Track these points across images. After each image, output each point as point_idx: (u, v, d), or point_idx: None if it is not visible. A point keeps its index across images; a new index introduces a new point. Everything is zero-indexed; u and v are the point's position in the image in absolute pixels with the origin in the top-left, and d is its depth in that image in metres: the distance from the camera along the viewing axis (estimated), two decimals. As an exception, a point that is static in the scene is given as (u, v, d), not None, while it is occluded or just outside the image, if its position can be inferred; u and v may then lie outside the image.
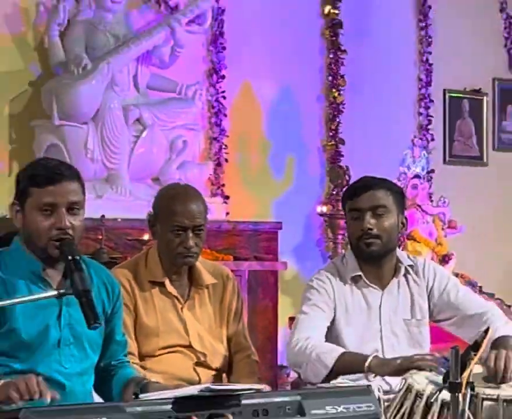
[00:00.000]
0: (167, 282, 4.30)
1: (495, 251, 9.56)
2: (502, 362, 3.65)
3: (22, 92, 8.77)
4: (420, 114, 10.12)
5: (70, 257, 3.29)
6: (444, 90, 10.23)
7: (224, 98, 9.25)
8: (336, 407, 3.06)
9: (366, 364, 3.94)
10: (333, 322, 4.35)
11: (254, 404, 2.84)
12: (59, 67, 8.60)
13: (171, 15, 9.04)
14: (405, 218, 4.55)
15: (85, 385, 3.69)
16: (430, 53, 10.32)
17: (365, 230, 4.25)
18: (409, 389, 3.55)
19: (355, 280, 4.46)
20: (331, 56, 10.06)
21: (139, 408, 2.69)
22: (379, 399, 3.37)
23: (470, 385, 3.21)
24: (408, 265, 4.45)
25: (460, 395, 3.22)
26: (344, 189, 5.98)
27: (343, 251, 6.29)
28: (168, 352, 4.24)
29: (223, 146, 9.16)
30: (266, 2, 9.61)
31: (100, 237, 6.72)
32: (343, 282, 4.49)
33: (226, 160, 9.12)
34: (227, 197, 8.74)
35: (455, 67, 10.29)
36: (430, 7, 10.27)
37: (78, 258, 3.28)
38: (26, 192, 3.50)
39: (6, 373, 3.35)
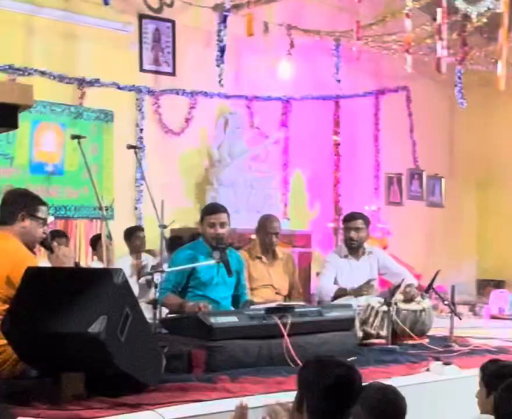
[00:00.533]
0: (263, 257, 6.22)
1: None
2: (408, 291, 5.78)
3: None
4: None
5: (220, 246, 5.15)
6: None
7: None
8: (335, 312, 5.09)
9: (348, 291, 6.11)
10: (336, 275, 6.40)
11: (300, 311, 4.81)
12: None
13: None
14: (368, 232, 6.72)
15: (227, 304, 5.44)
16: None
17: (352, 238, 6.42)
18: (368, 305, 5.59)
19: (346, 257, 6.52)
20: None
21: (251, 312, 4.78)
22: (354, 309, 5.40)
23: (395, 303, 5.38)
24: (368, 251, 6.61)
25: (390, 308, 5.39)
26: (343, 216, 7.54)
27: (340, 243, 7.33)
28: (262, 288, 6.12)
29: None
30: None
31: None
32: (340, 257, 6.58)
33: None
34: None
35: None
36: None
37: (224, 246, 5.16)
38: (203, 218, 5.46)
39: (193, 296, 5.27)
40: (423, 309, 5.83)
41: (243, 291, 5.67)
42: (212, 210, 5.56)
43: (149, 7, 9.45)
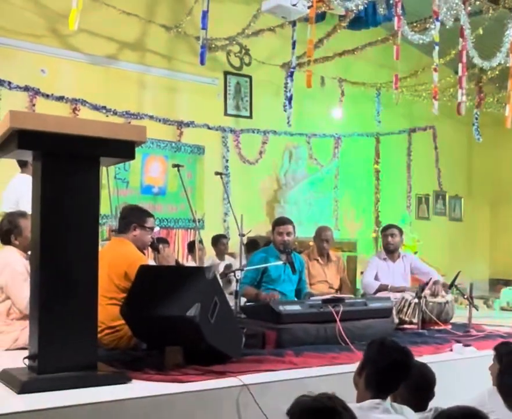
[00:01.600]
0: (319, 258, 6.14)
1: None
2: (434, 287, 5.68)
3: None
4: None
5: (287, 250, 5.26)
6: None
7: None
8: (377, 303, 5.06)
9: (388, 287, 5.97)
10: (376, 273, 6.25)
11: (349, 302, 4.75)
12: None
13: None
14: (401, 239, 6.53)
15: (292, 296, 5.47)
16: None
17: (389, 242, 6.29)
18: (403, 298, 5.54)
19: (384, 259, 6.36)
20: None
21: (311, 302, 4.76)
22: (392, 301, 5.26)
23: (424, 296, 5.29)
24: (403, 255, 6.47)
25: (420, 300, 5.29)
26: (381, 227, 7.21)
27: (380, 249, 7.13)
28: (319, 283, 6.05)
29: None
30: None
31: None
32: (380, 259, 6.41)
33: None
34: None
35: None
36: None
37: (290, 250, 5.26)
38: (274, 228, 5.51)
39: (266, 289, 5.31)
40: (447, 302, 5.73)
41: (304, 285, 5.67)
42: (281, 222, 5.60)
43: (232, 66, 9.53)
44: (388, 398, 2.73)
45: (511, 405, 2.74)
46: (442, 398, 3.04)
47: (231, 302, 4.54)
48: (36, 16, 7.72)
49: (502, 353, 3.28)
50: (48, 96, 7.76)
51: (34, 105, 7.64)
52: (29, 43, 7.67)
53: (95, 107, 8.06)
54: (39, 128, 2.87)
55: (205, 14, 6.80)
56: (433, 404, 2.99)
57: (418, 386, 2.97)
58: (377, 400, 2.59)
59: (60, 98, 7.84)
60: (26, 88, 7.62)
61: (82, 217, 3.06)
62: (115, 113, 8.23)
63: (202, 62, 7.33)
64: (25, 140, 2.86)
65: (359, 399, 2.67)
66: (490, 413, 2.82)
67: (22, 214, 4.24)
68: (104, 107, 8.12)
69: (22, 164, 5.27)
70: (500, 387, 2.83)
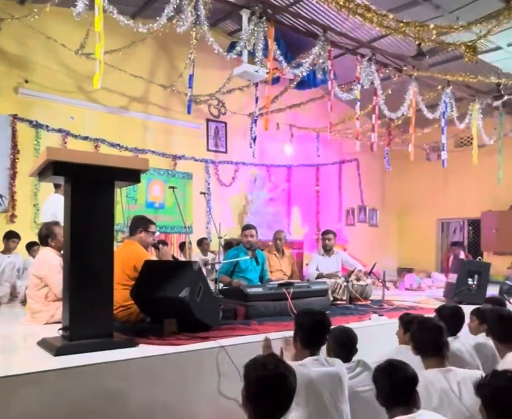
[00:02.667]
0: (276, 253, 6.03)
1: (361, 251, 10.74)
2: (358, 274, 5.70)
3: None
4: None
5: (252, 248, 5.19)
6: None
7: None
8: (317, 286, 4.93)
9: (324, 275, 5.93)
10: (317, 266, 6.19)
11: (297, 285, 4.71)
12: None
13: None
14: (335, 240, 6.39)
15: (256, 281, 5.35)
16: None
17: (326, 244, 6.23)
18: (336, 282, 5.56)
19: (323, 255, 6.29)
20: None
21: (270, 285, 4.72)
22: (328, 284, 5.27)
23: (351, 280, 5.33)
24: (336, 252, 6.37)
25: (348, 283, 5.31)
26: (321, 231, 6.69)
27: (319, 247, 6.60)
28: (276, 272, 5.94)
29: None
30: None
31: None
32: (319, 255, 6.34)
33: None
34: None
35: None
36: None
37: (254, 248, 5.18)
38: (242, 232, 5.40)
39: (237, 277, 5.23)
40: (367, 284, 5.78)
41: (265, 274, 5.64)
42: (247, 227, 5.56)
43: (212, 115, 9.54)
44: (323, 354, 2.72)
45: (421, 354, 2.73)
46: (363, 354, 3.08)
47: (212, 286, 4.52)
48: (67, 77, 7.68)
49: (405, 321, 3.34)
50: (76, 136, 7.71)
51: (65, 143, 7.57)
52: (62, 97, 7.64)
53: (112, 145, 8.01)
54: (68, 159, 2.87)
55: (191, 77, 6.81)
56: (356, 357, 3.02)
57: (345, 344, 3.00)
58: (315, 357, 2.60)
59: (85, 138, 7.79)
60: (59, 130, 7.58)
61: (101, 225, 3.03)
62: (126, 148, 8.19)
63: (188, 111, 7.35)
64: (58, 168, 2.85)
65: (299, 358, 2.65)
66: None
67: (56, 223, 4.21)
68: (118, 145, 8.07)
69: (57, 186, 5.21)
70: (415, 344, 2.77)
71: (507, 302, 5.73)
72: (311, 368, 2.53)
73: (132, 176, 3.09)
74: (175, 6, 5.23)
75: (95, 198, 3.00)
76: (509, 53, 5.72)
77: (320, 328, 2.71)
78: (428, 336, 2.63)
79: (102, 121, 8.06)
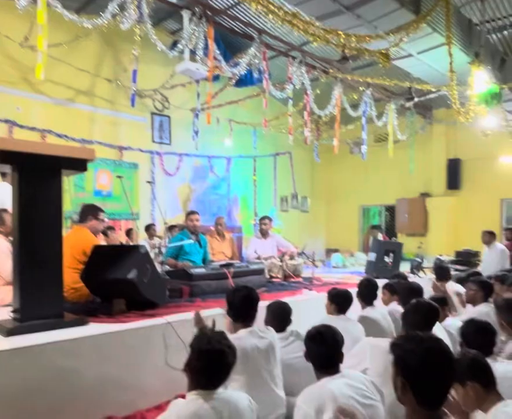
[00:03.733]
0: (217, 237, 6.02)
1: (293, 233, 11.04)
2: (291, 254, 5.81)
3: None
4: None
5: (196, 232, 5.16)
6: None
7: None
8: (254, 266, 5.43)
9: (261, 257, 5.91)
10: (255, 248, 6.15)
11: (237, 265, 4.77)
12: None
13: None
14: (271, 225, 6.44)
15: (199, 263, 5.10)
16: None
17: (263, 229, 6.22)
18: (271, 262, 6.03)
19: (259, 238, 6.28)
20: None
21: (212, 266, 4.85)
22: (264, 264, 5.46)
23: (284, 260, 5.34)
24: (271, 235, 6.39)
25: (282, 262, 5.37)
26: (259, 218, 7.23)
27: (257, 231, 6.61)
28: (218, 254, 5.89)
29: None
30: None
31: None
32: (257, 238, 6.36)
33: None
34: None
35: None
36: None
37: (198, 232, 5.17)
38: (187, 217, 5.23)
39: (182, 259, 5.06)
40: (299, 263, 5.92)
41: (207, 256, 5.56)
42: (192, 212, 5.44)
43: (156, 109, 9.32)
44: (256, 325, 2.73)
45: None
46: (296, 324, 3.15)
47: (159, 269, 4.43)
48: (12, 68, 7.19)
49: (332, 294, 3.47)
50: (22, 127, 7.25)
51: (11, 133, 7.10)
52: (7, 88, 7.15)
53: (59, 136, 7.60)
54: (14, 148, 2.71)
55: (135, 72, 6.59)
56: (290, 328, 3.09)
57: (280, 316, 3.05)
58: (248, 329, 2.61)
59: (32, 128, 7.35)
60: (6, 121, 7.10)
61: (49, 211, 2.89)
62: (73, 139, 7.79)
63: (132, 105, 7.13)
64: (4, 157, 2.70)
65: (234, 331, 2.65)
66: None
67: (4, 210, 3.96)
68: (65, 136, 7.68)
69: (4, 174, 4.85)
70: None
71: (415, 276, 6.19)
72: (246, 340, 2.55)
73: (79, 165, 2.97)
74: (118, 3, 5.03)
75: (42, 185, 2.86)
76: (419, 61, 6.03)
77: (247, 302, 2.72)
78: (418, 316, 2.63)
79: (49, 112, 7.65)
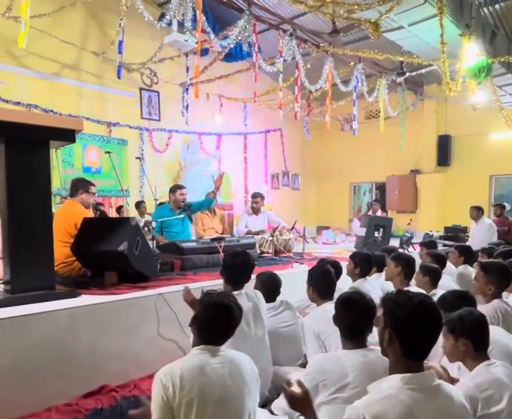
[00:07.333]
0: (208, 213, 5.92)
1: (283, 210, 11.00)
2: (281, 229, 5.88)
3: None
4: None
5: (186, 206, 5.14)
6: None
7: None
8: (246, 240, 5.23)
9: (252, 231, 6.03)
10: (246, 224, 6.32)
11: (228, 240, 4.88)
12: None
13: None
14: (262, 202, 6.46)
15: (184, 237, 5.10)
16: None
17: (254, 206, 6.29)
18: (262, 237, 5.97)
19: (251, 214, 6.38)
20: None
21: (201, 240, 4.93)
22: (255, 239, 5.60)
23: (275, 235, 5.43)
24: (263, 211, 6.47)
25: (273, 237, 5.42)
26: (250, 194, 6.99)
27: (248, 208, 6.67)
28: (209, 229, 5.86)
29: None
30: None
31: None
32: (248, 215, 6.40)
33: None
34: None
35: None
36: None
37: (188, 206, 5.26)
38: (176, 191, 5.15)
39: (165, 233, 5.14)
40: (290, 239, 5.96)
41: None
42: (181, 187, 5.40)
43: (145, 84, 9.21)
44: (245, 290, 2.79)
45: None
46: (286, 296, 3.23)
47: (150, 244, 4.38)
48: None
49: (359, 257, 3.69)
50: (7, 101, 7.10)
51: (-4, 108, 7.00)
52: (-10, 62, 7.00)
53: (45, 110, 7.44)
54: (1, 118, 2.66)
55: (120, 43, 6.45)
56: (279, 298, 3.18)
57: (271, 286, 3.13)
58: (237, 292, 2.67)
59: (17, 103, 7.19)
60: (-10, 95, 6.97)
61: (38, 184, 2.87)
62: (60, 114, 7.58)
63: (118, 77, 6.95)
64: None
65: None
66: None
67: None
68: (51, 111, 7.51)
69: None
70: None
71: (404, 250, 6.27)
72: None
73: (67, 135, 2.93)
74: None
75: (30, 157, 2.83)
76: (410, 33, 5.99)
77: (243, 267, 2.77)
78: None
79: (34, 87, 7.50)
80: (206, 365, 1.80)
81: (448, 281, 3.94)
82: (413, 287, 3.37)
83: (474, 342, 1.90)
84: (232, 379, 1.82)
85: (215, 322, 1.87)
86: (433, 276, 3.42)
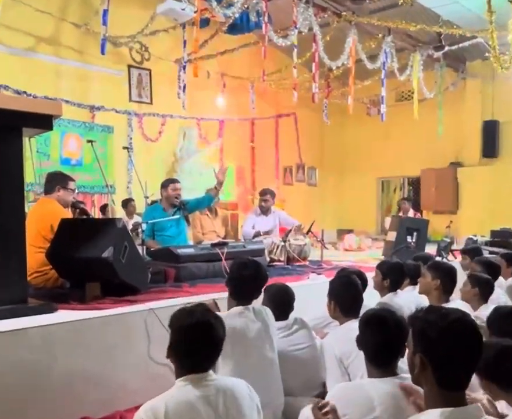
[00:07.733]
0: (208, 213, 6.12)
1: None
2: (296, 232, 5.88)
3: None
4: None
5: (181, 203, 5.15)
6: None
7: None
8: (253, 246, 5.33)
9: (261, 233, 6.06)
10: (253, 225, 6.29)
11: (232, 245, 4.90)
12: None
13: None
14: (273, 201, 6.51)
15: (179, 242, 5.11)
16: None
17: (263, 205, 6.33)
18: (272, 242, 6.16)
19: (259, 215, 6.42)
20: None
21: (202, 245, 4.93)
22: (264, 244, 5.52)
23: (288, 240, 5.43)
24: (273, 211, 6.51)
25: (286, 243, 5.42)
26: (259, 191, 6.82)
27: (256, 207, 6.90)
28: (209, 232, 6.00)
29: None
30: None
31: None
32: (256, 215, 6.48)
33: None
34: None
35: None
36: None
37: (183, 204, 5.20)
38: (168, 185, 5.16)
39: (158, 237, 5.14)
40: (305, 244, 5.95)
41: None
42: (176, 181, 5.43)
43: (134, 60, 9.28)
44: (252, 305, 2.78)
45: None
46: (300, 312, 3.19)
47: (140, 249, 4.38)
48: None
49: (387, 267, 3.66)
50: (-27, 81, 7.22)
51: (-40, 88, 7.08)
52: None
53: (17, 92, 7.52)
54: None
55: (105, 12, 6.54)
56: (293, 315, 3.12)
57: (281, 301, 3.08)
58: (242, 307, 2.67)
59: (-16, 84, 7.30)
60: (-49, 74, 7.06)
61: (8, 179, 2.88)
62: (35, 97, 7.63)
63: (102, 52, 7.01)
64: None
65: (229, 308, 2.74)
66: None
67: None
68: (25, 92, 7.58)
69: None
70: None
71: (444, 259, 6.19)
72: (236, 318, 2.61)
73: (43, 121, 2.93)
74: None
75: None
76: None
77: (252, 282, 2.78)
78: None
79: (5, 64, 7.56)
80: (194, 397, 1.78)
81: (502, 296, 3.88)
82: (453, 302, 3.33)
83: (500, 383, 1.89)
84: (226, 411, 1.80)
85: (193, 347, 1.83)
86: (484, 288, 3.37)
